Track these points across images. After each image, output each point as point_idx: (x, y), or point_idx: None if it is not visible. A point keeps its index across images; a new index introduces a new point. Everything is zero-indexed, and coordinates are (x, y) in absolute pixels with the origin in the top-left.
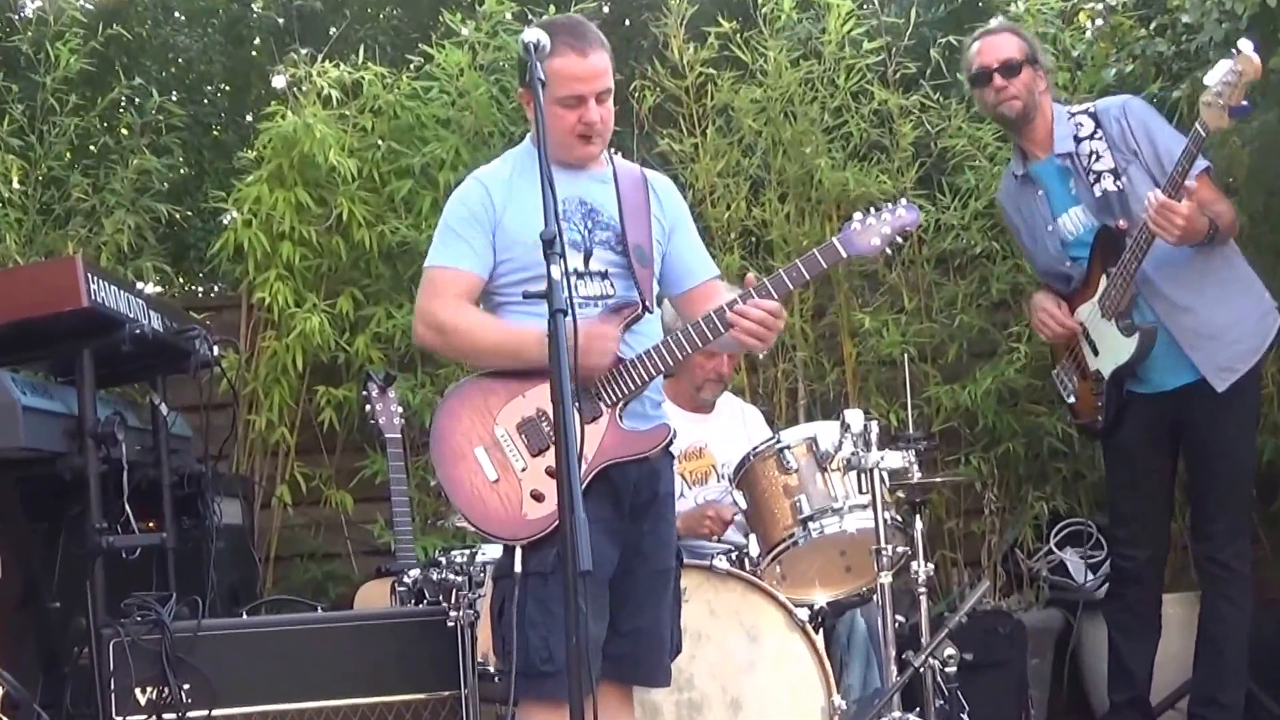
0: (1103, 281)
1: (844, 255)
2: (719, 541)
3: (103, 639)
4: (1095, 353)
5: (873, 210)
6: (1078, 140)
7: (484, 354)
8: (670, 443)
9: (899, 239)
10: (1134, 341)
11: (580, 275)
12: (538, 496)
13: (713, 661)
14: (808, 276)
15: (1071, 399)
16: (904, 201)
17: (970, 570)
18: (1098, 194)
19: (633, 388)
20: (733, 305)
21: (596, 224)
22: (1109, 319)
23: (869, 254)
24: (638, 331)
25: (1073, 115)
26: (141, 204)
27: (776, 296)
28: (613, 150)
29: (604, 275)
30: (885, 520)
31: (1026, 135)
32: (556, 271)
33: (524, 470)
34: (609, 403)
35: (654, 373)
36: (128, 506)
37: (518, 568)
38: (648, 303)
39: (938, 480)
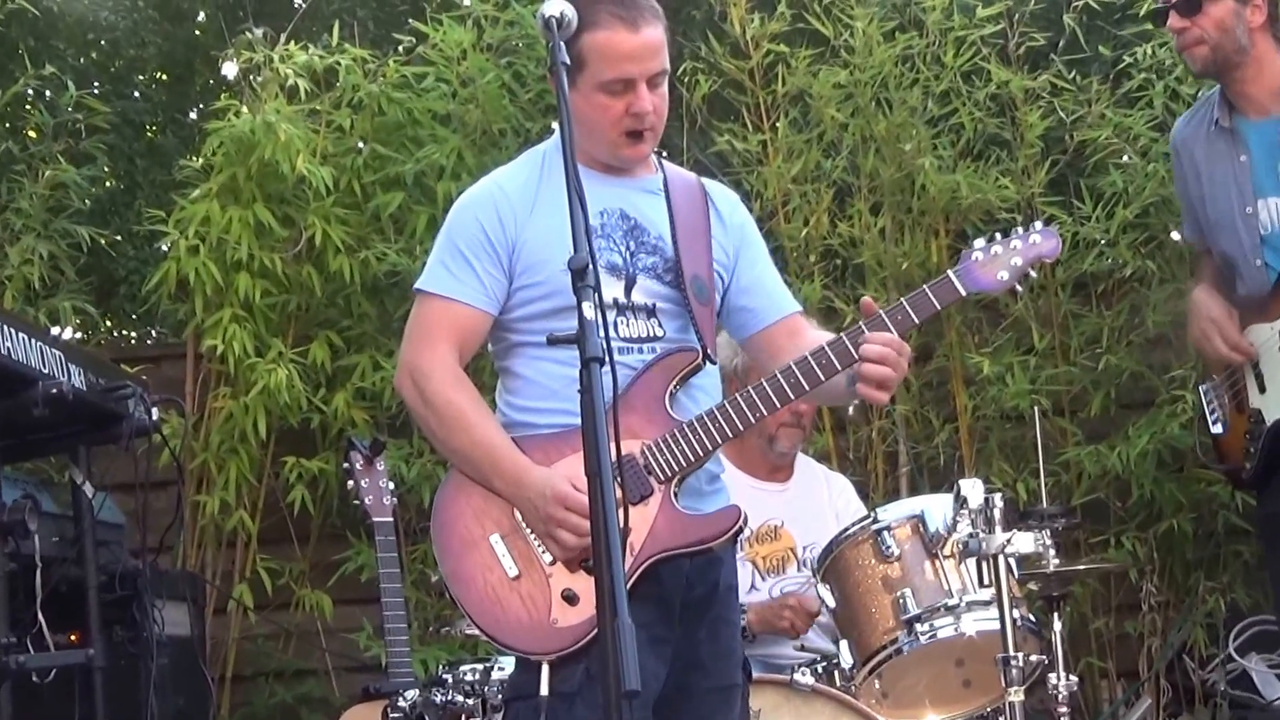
0: None
1: (963, 293)
2: (802, 650)
3: None
4: (1262, 389)
5: (998, 236)
6: None
7: (449, 451)
8: (740, 530)
9: (1031, 271)
10: None
11: (621, 309)
12: (570, 598)
13: None
14: (916, 320)
15: (1219, 428)
16: (1039, 225)
17: (1125, 683)
18: None
19: (692, 459)
20: (824, 352)
21: (642, 245)
22: None
23: (994, 291)
24: (696, 386)
25: None
26: (56, 227)
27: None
28: (661, 153)
29: (650, 311)
30: (1014, 620)
31: (1234, 84)
32: (590, 309)
33: (552, 564)
34: (662, 478)
35: (720, 439)
36: (42, 615)
37: (544, 689)
38: (710, 350)
39: (1081, 568)
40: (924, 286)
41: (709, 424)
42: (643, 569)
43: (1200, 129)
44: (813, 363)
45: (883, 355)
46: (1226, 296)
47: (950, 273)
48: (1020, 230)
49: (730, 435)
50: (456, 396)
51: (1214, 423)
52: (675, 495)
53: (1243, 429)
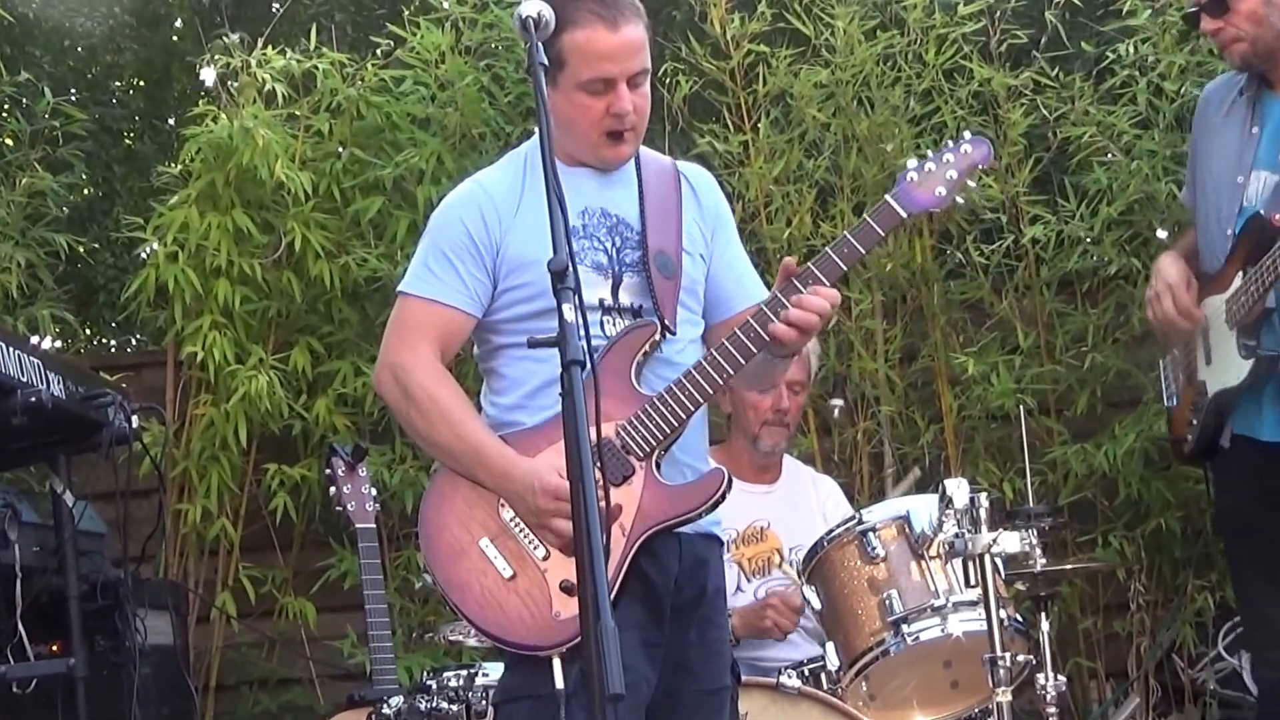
0: (1237, 279)
1: (903, 215)
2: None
3: None
4: (1208, 361)
5: (930, 153)
6: None
7: (433, 447)
8: (726, 493)
9: (970, 183)
10: (1247, 367)
11: (607, 310)
12: (569, 589)
13: None
14: (863, 250)
15: (1173, 401)
16: (968, 135)
17: (1114, 683)
18: None
19: (667, 431)
20: (779, 300)
21: (626, 241)
22: (1232, 328)
23: (934, 208)
24: (663, 360)
25: None
26: (34, 235)
27: (827, 283)
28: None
29: (636, 312)
30: (1001, 621)
31: (1276, 69)
32: (570, 311)
33: (546, 559)
34: (640, 455)
35: (690, 407)
36: (22, 625)
37: (559, 682)
38: (669, 323)
39: (1068, 568)
40: (865, 215)
41: (678, 393)
42: (629, 562)
43: (1224, 93)
44: (769, 312)
45: (822, 310)
46: (1193, 268)
47: (888, 197)
48: (950, 143)
49: (701, 401)
50: (439, 391)
51: (1169, 397)
52: (657, 468)
53: (1190, 401)
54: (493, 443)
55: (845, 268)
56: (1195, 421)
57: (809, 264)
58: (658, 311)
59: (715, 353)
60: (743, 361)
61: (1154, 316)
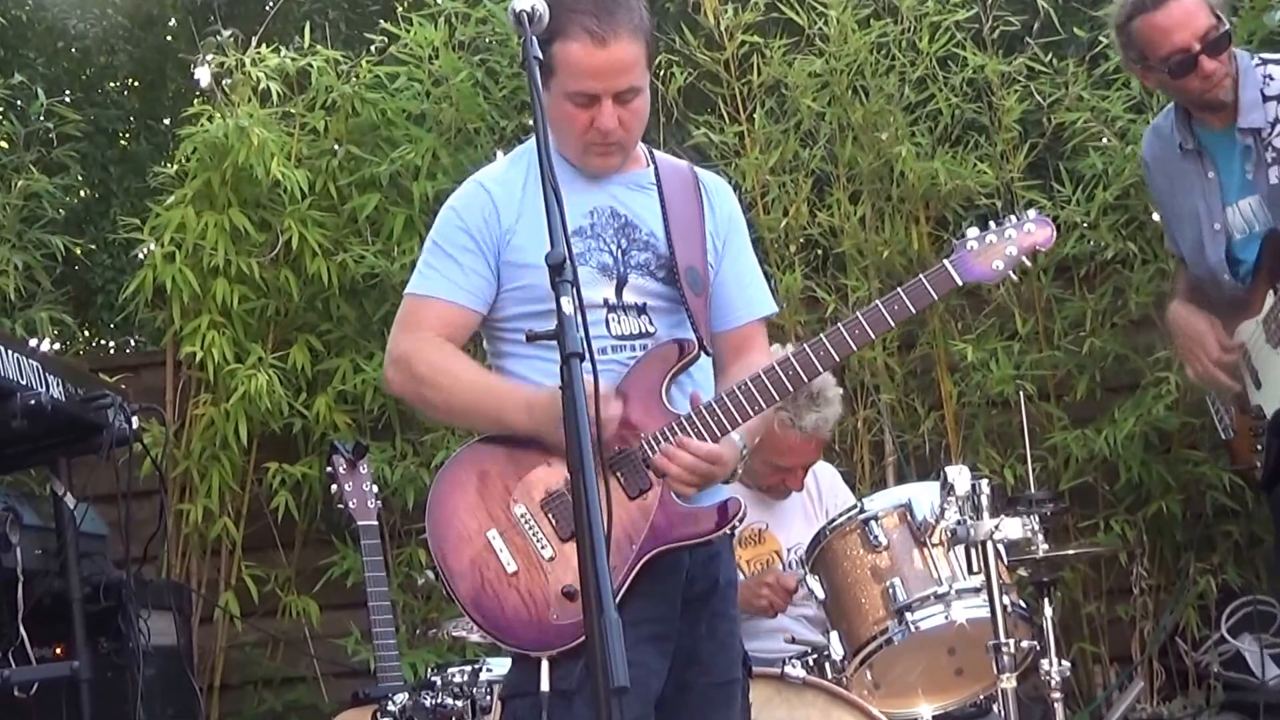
0: (1269, 299)
1: (959, 283)
2: (793, 642)
3: None
4: (1258, 385)
5: (992, 225)
6: (1265, 99)
7: (457, 413)
8: (739, 521)
9: (1026, 260)
10: None
11: (612, 308)
12: (570, 594)
13: None
14: (913, 310)
15: (1230, 434)
16: (1033, 214)
17: (1118, 668)
18: (1273, 179)
19: None
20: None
21: (633, 242)
22: (1275, 346)
23: (988, 280)
24: (693, 379)
25: (1264, 63)
26: (31, 237)
27: (873, 335)
28: (650, 149)
29: (641, 309)
30: (1005, 607)
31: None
32: (569, 305)
33: (551, 560)
34: (661, 471)
35: (718, 433)
36: (23, 629)
37: (544, 685)
38: (705, 342)
39: (1071, 553)
40: (920, 276)
41: (708, 418)
42: (642, 564)
43: (1166, 149)
44: (810, 354)
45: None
46: (1206, 303)
47: (946, 262)
48: (1014, 219)
49: (729, 429)
50: (443, 361)
51: (1223, 430)
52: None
53: (1248, 428)
54: (510, 385)
55: (893, 324)
56: (1260, 448)
57: (856, 315)
58: (696, 333)
59: (751, 384)
60: (777, 398)
61: (1195, 374)
